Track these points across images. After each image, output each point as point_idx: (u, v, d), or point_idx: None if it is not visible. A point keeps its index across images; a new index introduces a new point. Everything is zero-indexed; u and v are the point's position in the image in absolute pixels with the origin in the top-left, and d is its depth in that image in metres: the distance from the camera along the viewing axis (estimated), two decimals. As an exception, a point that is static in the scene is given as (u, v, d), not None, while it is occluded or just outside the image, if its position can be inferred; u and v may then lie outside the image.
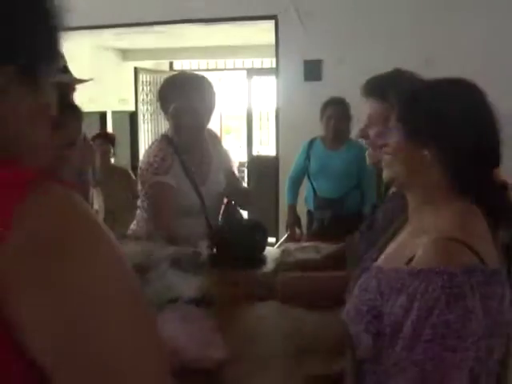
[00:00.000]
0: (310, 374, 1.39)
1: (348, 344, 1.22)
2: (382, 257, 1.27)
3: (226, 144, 11.82)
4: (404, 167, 1.25)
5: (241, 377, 1.45)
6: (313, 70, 4.78)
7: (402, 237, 1.28)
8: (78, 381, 0.64)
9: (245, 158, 8.37)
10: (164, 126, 8.15)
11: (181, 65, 8.92)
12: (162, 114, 2.55)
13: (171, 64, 8.94)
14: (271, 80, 6.07)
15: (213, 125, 9.84)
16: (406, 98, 1.26)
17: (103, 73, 7.42)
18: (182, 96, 2.40)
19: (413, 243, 1.18)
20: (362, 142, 1.80)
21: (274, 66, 5.22)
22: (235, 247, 2.29)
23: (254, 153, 7.85)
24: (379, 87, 1.69)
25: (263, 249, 2.68)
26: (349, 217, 3.60)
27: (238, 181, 2.81)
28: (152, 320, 0.72)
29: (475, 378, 1.05)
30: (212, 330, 1.46)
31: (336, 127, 3.84)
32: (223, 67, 8.81)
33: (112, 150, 4.88)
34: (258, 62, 8.13)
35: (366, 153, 1.76)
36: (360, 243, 1.83)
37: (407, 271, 1.09)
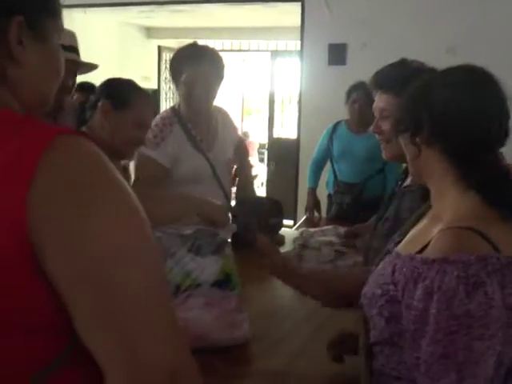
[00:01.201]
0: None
1: (362, 326, 1.24)
2: (403, 242, 1.28)
3: (247, 125, 11.83)
4: (410, 161, 1.26)
5: (264, 354, 1.47)
6: (337, 54, 4.74)
7: (423, 223, 1.28)
8: (92, 325, 0.69)
9: (265, 140, 8.35)
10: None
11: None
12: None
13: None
14: (295, 62, 6.04)
15: (234, 105, 9.75)
16: (408, 92, 1.25)
17: (127, 50, 7.43)
18: (195, 65, 2.41)
19: (430, 230, 1.18)
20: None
21: (298, 48, 5.19)
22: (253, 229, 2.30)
23: (275, 135, 7.83)
24: (388, 79, 1.67)
25: (279, 229, 2.69)
26: (368, 202, 3.59)
27: (246, 156, 2.84)
28: (163, 276, 0.75)
29: (499, 362, 1.03)
30: (237, 310, 1.48)
31: (361, 111, 3.82)
32: (247, 48, 8.78)
33: None
34: (282, 44, 8.08)
35: (381, 147, 1.75)
36: (372, 238, 1.82)
37: (421, 260, 1.09)
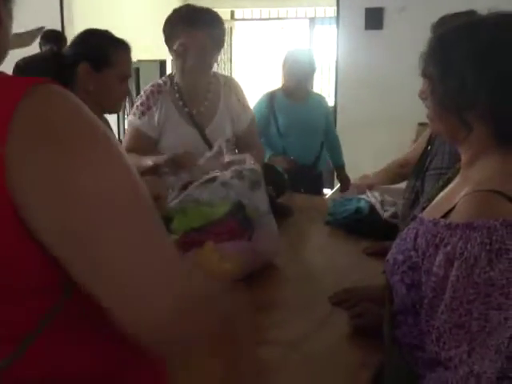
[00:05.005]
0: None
1: (386, 294, 1.21)
2: (429, 207, 1.23)
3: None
4: (442, 124, 1.18)
5: (282, 322, 1.47)
6: (374, 19, 4.64)
7: (449, 187, 1.22)
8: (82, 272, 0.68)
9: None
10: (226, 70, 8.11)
11: (242, 13, 8.81)
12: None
13: (232, 13, 8.83)
14: (333, 29, 5.93)
15: (274, 74, 9.55)
16: (433, 46, 1.15)
17: (163, 20, 7.40)
18: (189, 31, 2.19)
19: (456, 194, 1.12)
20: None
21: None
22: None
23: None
24: None
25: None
26: (303, 170, 3.41)
27: (251, 137, 2.47)
28: (156, 221, 0.73)
29: None
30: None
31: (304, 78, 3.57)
32: (285, 16, 8.66)
33: None
34: (320, 11, 7.95)
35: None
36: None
37: (445, 225, 1.04)
